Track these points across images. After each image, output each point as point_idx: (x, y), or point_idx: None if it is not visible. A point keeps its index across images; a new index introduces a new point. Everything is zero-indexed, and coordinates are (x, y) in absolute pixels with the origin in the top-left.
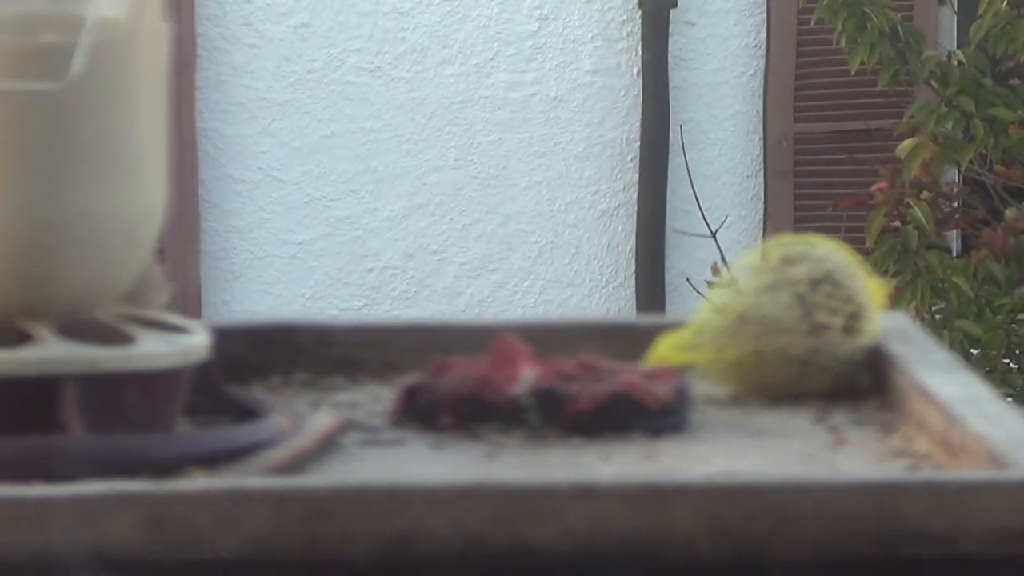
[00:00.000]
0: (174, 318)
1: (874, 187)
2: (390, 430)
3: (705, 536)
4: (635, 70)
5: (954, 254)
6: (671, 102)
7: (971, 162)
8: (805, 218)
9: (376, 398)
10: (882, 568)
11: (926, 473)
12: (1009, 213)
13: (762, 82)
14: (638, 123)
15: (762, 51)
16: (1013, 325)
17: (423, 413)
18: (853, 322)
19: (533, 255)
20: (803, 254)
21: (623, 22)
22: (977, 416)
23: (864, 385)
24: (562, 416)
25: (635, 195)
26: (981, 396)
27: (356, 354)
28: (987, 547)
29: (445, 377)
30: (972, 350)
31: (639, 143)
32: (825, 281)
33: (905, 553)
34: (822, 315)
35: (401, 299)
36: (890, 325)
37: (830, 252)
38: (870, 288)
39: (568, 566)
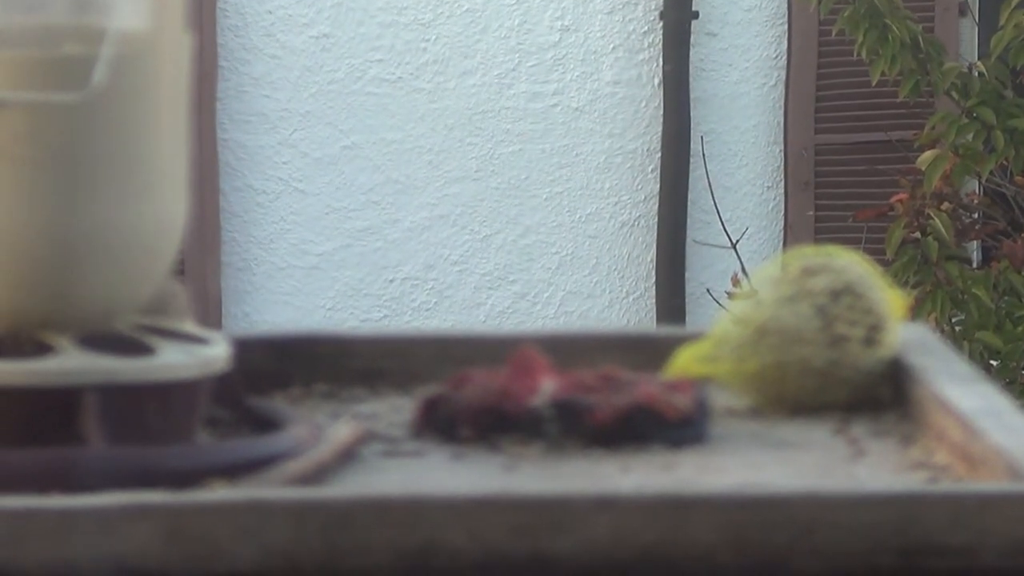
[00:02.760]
0: (194, 329)
1: (894, 198)
2: (410, 441)
3: (725, 547)
4: (656, 81)
5: (974, 265)
6: (692, 113)
7: (991, 173)
8: (825, 229)
9: (396, 409)
10: None
11: (946, 485)
12: None
13: (783, 93)
14: (659, 134)
15: (783, 62)
16: None
17: (443, 424)
18: (873, 334)
19: (553, 266)
20: (823, 265)
21: (644, 33)
22: (997, 428)
23: (884, 397)
24: (582, 427)
25: (655, 206)
26: (1001, 408)
27: (376, 365)
28: (1006, 560)
29: (465, 388)
30: (992, 362)
31: (660, 154)
32: (845, 292)
33: (924, 565)
34: (842, 327)
35: (421, 310)
36: (910, 336)
37: (850, 263)
38: (890, 300)
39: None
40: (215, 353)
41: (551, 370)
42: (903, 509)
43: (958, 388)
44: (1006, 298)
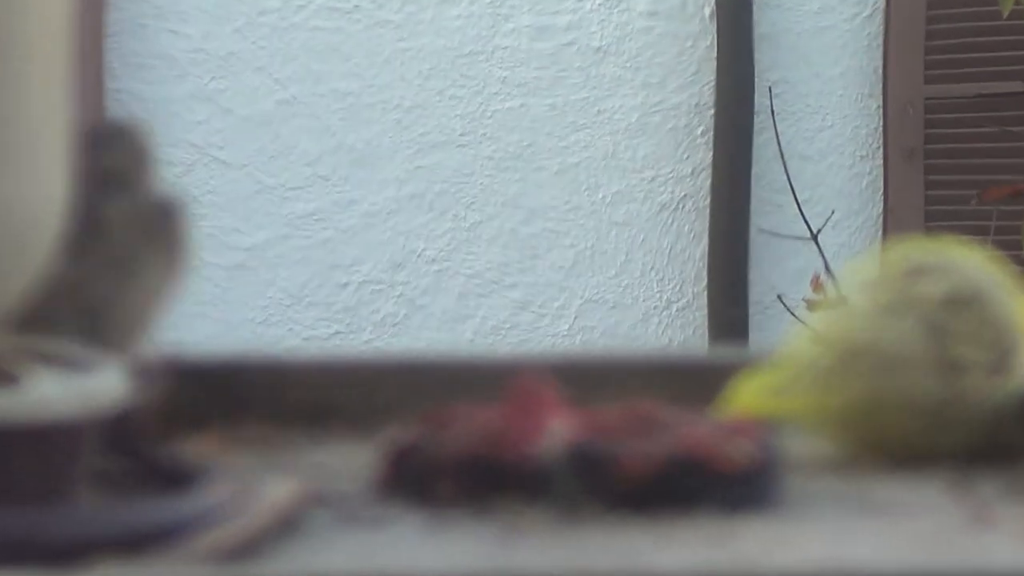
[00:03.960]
0: (82, 351)
1: None
2: (372, 503)
3: None
4: (707, 11)
5: None
6: (756, 56)
7: None
8: (939, 214)
9: (352, 459)
10: None
11: None
12: None
13: (881, 29)
14: (712, 84)
15: None
16: None
17: (417, 480)
18: (1003, 358)
19: (567, 264)
20: (937, 265)
21: None
22: None
23: (1017, 443)
24: (604, 486)
25: (707, 182)
26: None
27: (325, 400)
28: None
29: (446, 432)
30: None
31: (713, 111)
32: (966, 302)
33: None
34: (961, 348)
35: (386, 324)
36: None
37: (973, 262)
38: (1022, 307)
39: None
40: (104, 384)
41: (563, 407)
42: None
43: None
44: None
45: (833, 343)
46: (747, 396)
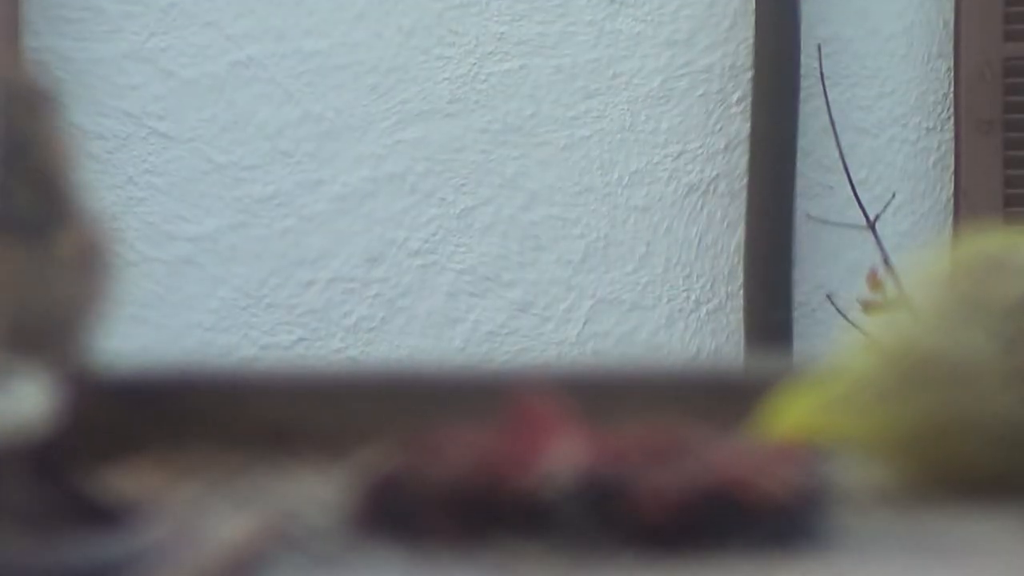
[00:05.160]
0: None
1: None
2: (346, 542)
3: None
4: None
5: None
6: (803, 8)
7: None
8: (1022, 198)
9: (322, 491)
10: None
11: None
12: None
13: None
14: (749, 42)
15: None
16: None
17: (399, 515)
18: None
19: (576, 258)
20: (1017, 261)
21: None
22: None
23: None
24: (619, 521)
25: (744, 160)
26: None
27: (288, 420)
28: None
29: (433, 458)
30: None
31: (751, 75)
32: None
33: None
34: None
35: (360, 330)
36: None
37: None
38: None
39: None
40: (24, 403)
41: (571, 429)
42: None
43: None
44: None
45: (893, 353)
46: (790, 415)
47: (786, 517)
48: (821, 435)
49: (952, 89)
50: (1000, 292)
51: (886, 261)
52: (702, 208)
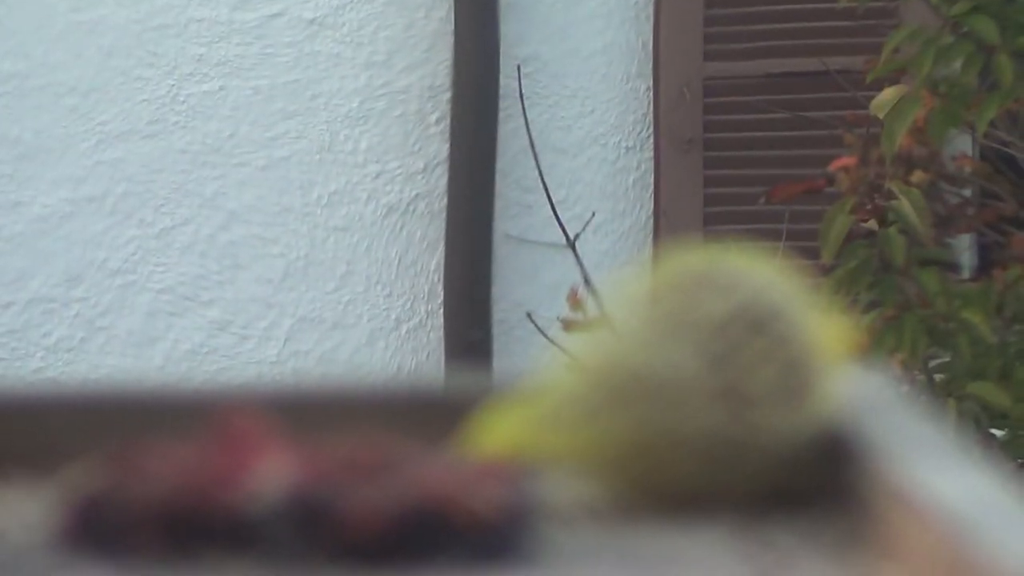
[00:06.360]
0: None
1: (834, 164)
2: (52, 562)
3: None
4: None
5: (966, 274)
6: (502, 29)
7: (993, 125)
8: (721, 216)
9: (27, 510)
10: None
11: None
12: None
13: None
14: (448, 63)
15: None
16: None
17: (107, 533)
18: (796, 387)
19: (276, 277)
20: (718, 278)
21: None
22: (995, 537)
23: (813, 485)
24: (327, 538)
25: (443, 180)
26: (1003, 505)
27: None
28: None
29: (139, 475)
30: (994, 429)
31: (449, 95)
32: (754, 323)
33: None
34: (748, 377)
35: (60, 349)
36: (858, 390)
37: (762, 274)
38: (825, 332)
39: None
40: None
41: (276, 446)
42: None
43: (936, 473)
44: (1017, 327)
45: (599, 370)
46: (496, 433)
47: (492, 533)
48: (527, 452)
49: (652, 109)
50: (705, 309)
51: (586, 280)
52: (402, 228)
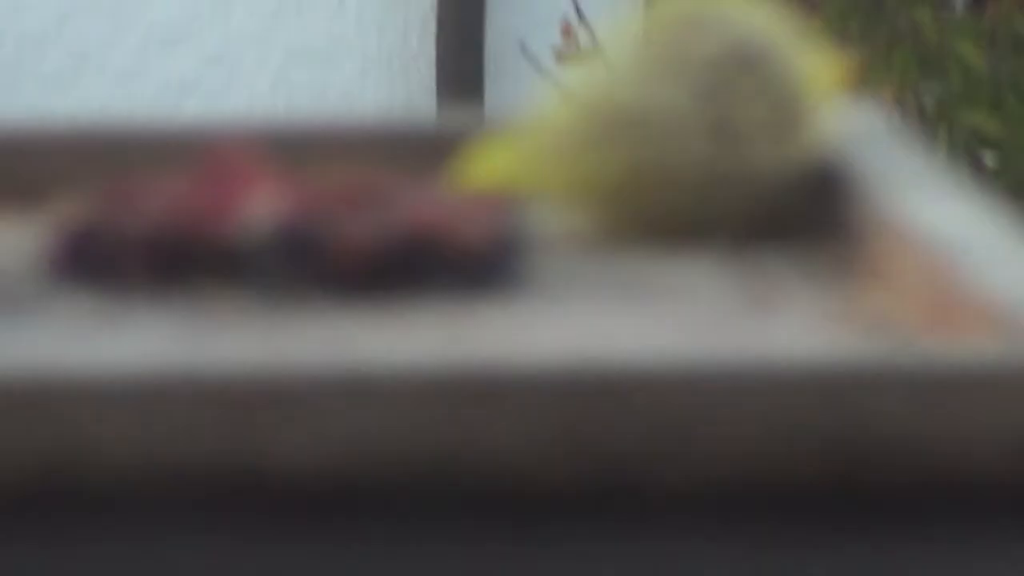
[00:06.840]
0: None
1: None
2: (38, 288)
3: (539, 453)
4: None
5: (957, 6)
6: None
7: None
8: None
9: (12, 239)
10: (821, 504)
11: (900, 350)
12: None
13: None
14: None
15: None
16: None
17: (96, 262)
18: (786, 120)
19: (267, 10)
20: (712, 18)
21: None
22: (984, 264)
23: (803, 216)
24: (317, 269)
25: None
26: (993, 233)
27: None
28: (996, 464)
29: (130, 207)
30: (985, 157)
31: None
32: (746, 61)
33: (860, 479)
34: (739, 113)
35: (49, 80)
36: (850, 121)
37: (755, 14)
38: (816, 66)
39: (323, 499)
40: None
41: (267, 179)
42: (832, 388)
43: (927, 201)
44: (1009, 57)
45: (591, 104)
46: (488, 166)
47: (483, 262)
48: (519, 185)
49: None
50: (698, 47)
51: (578, 12)
52: None
